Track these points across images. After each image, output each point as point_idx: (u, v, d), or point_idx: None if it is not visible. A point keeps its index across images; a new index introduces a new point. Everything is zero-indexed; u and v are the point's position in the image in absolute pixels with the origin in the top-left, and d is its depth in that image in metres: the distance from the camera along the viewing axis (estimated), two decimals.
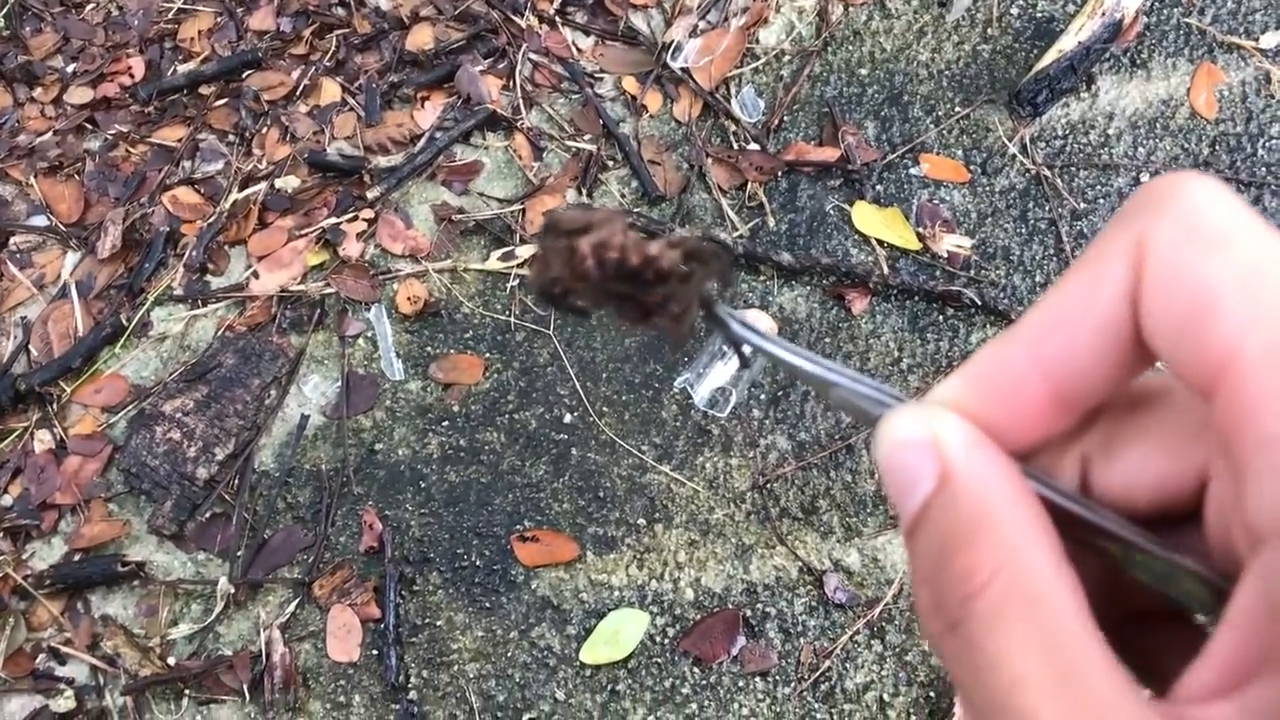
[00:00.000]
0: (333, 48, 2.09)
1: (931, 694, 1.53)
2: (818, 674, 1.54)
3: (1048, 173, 1.84)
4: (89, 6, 2.19)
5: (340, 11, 2.13)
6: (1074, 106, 1.90)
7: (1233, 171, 1.81)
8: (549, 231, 0.34)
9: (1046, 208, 1.82)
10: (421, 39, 2.07)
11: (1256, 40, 1.91)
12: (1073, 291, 0.28)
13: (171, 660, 1.62)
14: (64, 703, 1.59)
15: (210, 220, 1.93)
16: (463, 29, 2.08)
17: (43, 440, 1.76)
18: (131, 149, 2.02)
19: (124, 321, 1.84)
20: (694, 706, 1.54)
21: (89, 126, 2.07)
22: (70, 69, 2.12)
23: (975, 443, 0.28)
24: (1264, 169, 1.82)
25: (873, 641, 1.56)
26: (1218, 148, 1.84)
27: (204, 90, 2.08)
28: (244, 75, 2.08)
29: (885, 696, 1.53)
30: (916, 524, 0.28)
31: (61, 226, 1.95)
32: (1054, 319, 0.28)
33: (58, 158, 2.01)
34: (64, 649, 1.64)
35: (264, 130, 2.02)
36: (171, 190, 1.96)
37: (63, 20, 2.17)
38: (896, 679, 1.54)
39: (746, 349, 0.36)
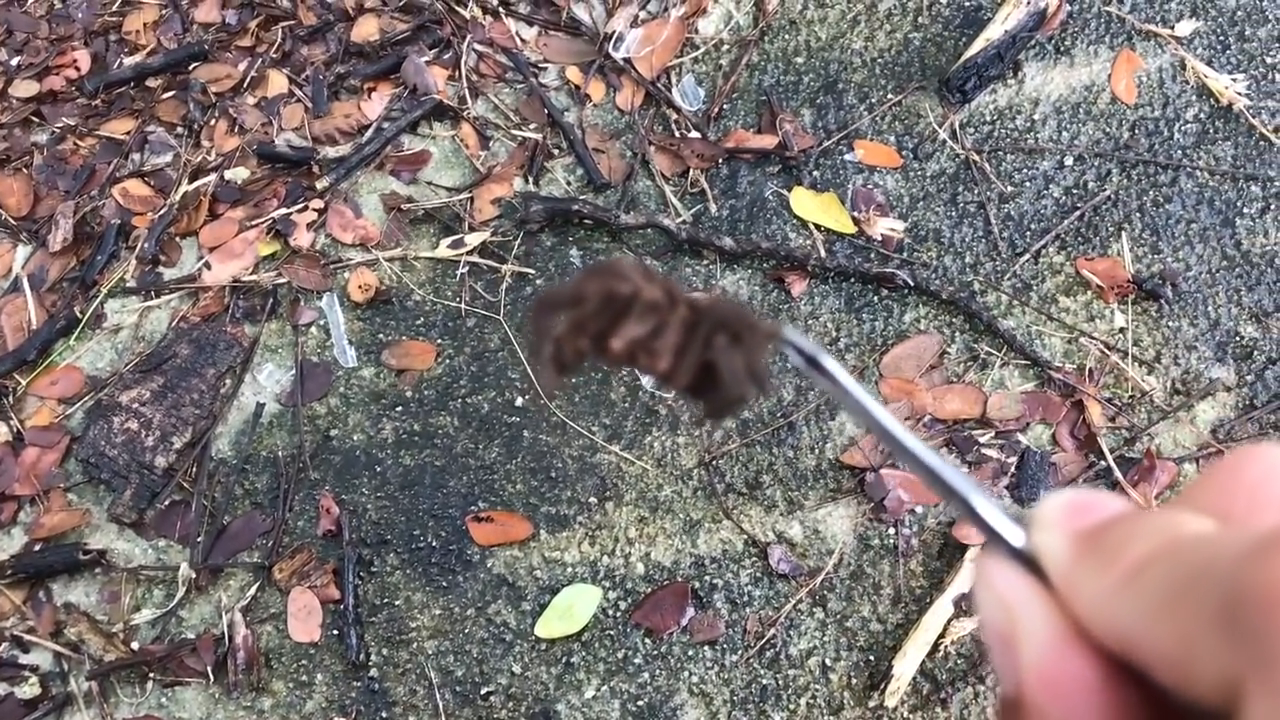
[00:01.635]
0: (278, 40, 2.12)
1: (871, 658, 1.61)
2: (763, 641, 1.62)
3: (976, 157, 1.92)
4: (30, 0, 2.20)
5: (285, 3, 2.15)
6: (1001, 93, 1.97)
7: (1151, 154, 1.90)
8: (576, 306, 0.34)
9: (975, 191, 1.89)
10: (367, 30, 2.10)
11: (1172, 28, 2.00)
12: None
13: (135, 645, 1.65)
14: (29, 689, 1.63)
15: (161, 212, 1.95)
16: (408, 20, 2.11)
17: None
18: (80, 142, 2.04)
19: (78, 314, 1.86)
20: (646, 676, 1.61)
21: (36, 120, 2.08)
22: (14, 62, 2.12)
23: (1057, 647, 0.28)
24: (1179, 152, 1.91)
25: (815, 609, 1.63)
26: (1137, 131, 1.93)
27: (151, 83, 2.10)
28: (190, 68, 2.10)
29: (827, 661, 1.61)
30: (1005, 705, 0.29)
31: (11, 220, 1.96)
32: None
33: (5, 151, 2.02)
34: (27, 637, 1.67)
35: (212, 122, 2.05)
36: (121, 183, 1.98)
37: (4, 13, 2.18)
38: (838, 644, 1.62)
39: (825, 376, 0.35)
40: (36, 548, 1.72)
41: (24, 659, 1.66)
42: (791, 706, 1.59)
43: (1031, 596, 0.29)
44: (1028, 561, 0.30)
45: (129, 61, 2.12)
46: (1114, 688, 0.27)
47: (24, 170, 2.01)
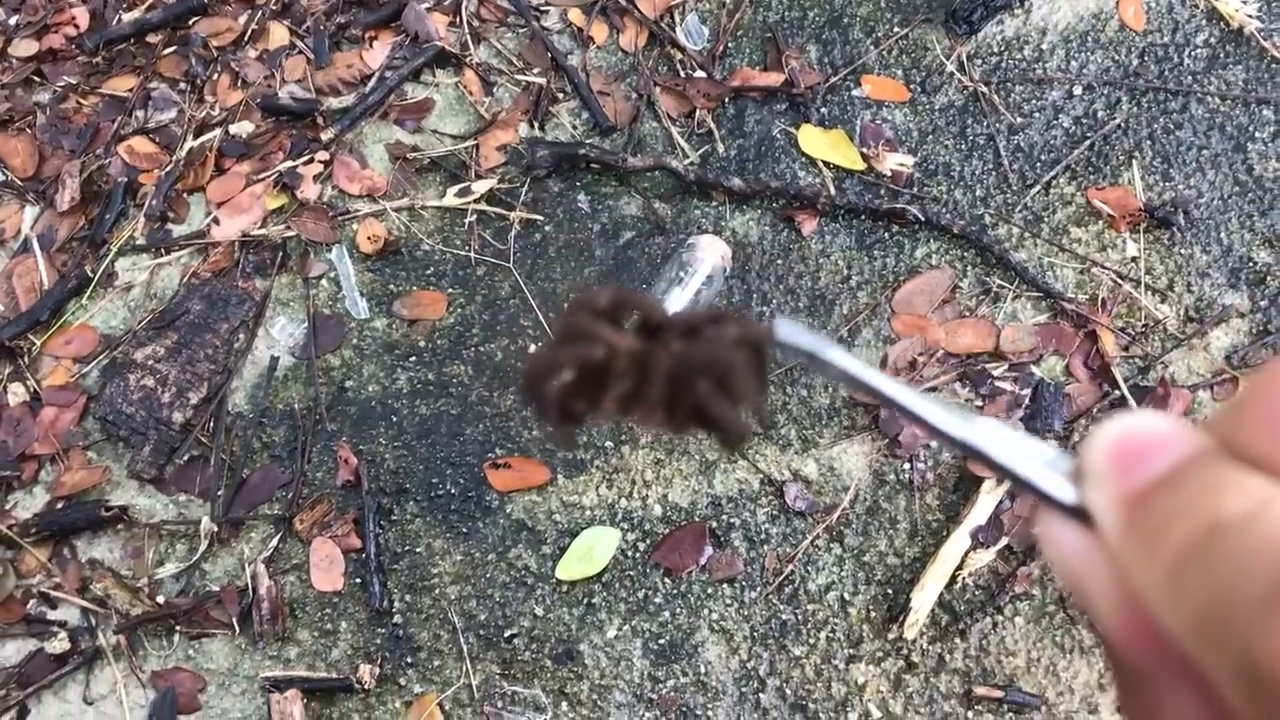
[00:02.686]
0: None
1: (889, 591, 1.62)
2: (781, 578, 1.63)
3: (985, 89, 1.90)
4: None
5: None
6: (1008, 23, 1.95)
7: (1160, 81, 1.88)
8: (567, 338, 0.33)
9: (985, 123, 1.88)
10: None
11: None
12: None
13: (161, 599, 1.67)
14: (58, 645, 1.65)
15: (168, 169, 1.94)
16: None
17: (16, 393, 1.79)
18: (82, 100, 2.03)
19: (89, 273, 1.86)
20: (666, 614, 1.63)
21: (37, 79, 2.07)
22: (13, 21, 2.11)
23: (1126, 605, 0.28)
24: (1190, 78, 1.89)
25: (832, 545, 1.65)
26: (1146, 58, 1.91)
27: (151, 39, 2.08)
28: (190, 22, 2.08)
29: (846, 595, 1.62)
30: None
31: (18, 181, 1.96)
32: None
33: (8, 112, 2.01)
34: (54, 594, 1.69)
35: (215, 77, 2.04)
36: (127, 140, 1.98)
37: None
38: (855, 579, 1.63)
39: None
40: (59, 506, 1.73)
41: (52, 615, 1.68)
42: (811, 640, 1.61)
43: (1092, 560, 0.29)
44: (1083, 515, 0.29)
45: (128, 17, 2.10)
46: None
47: (28, 130, 2.00)
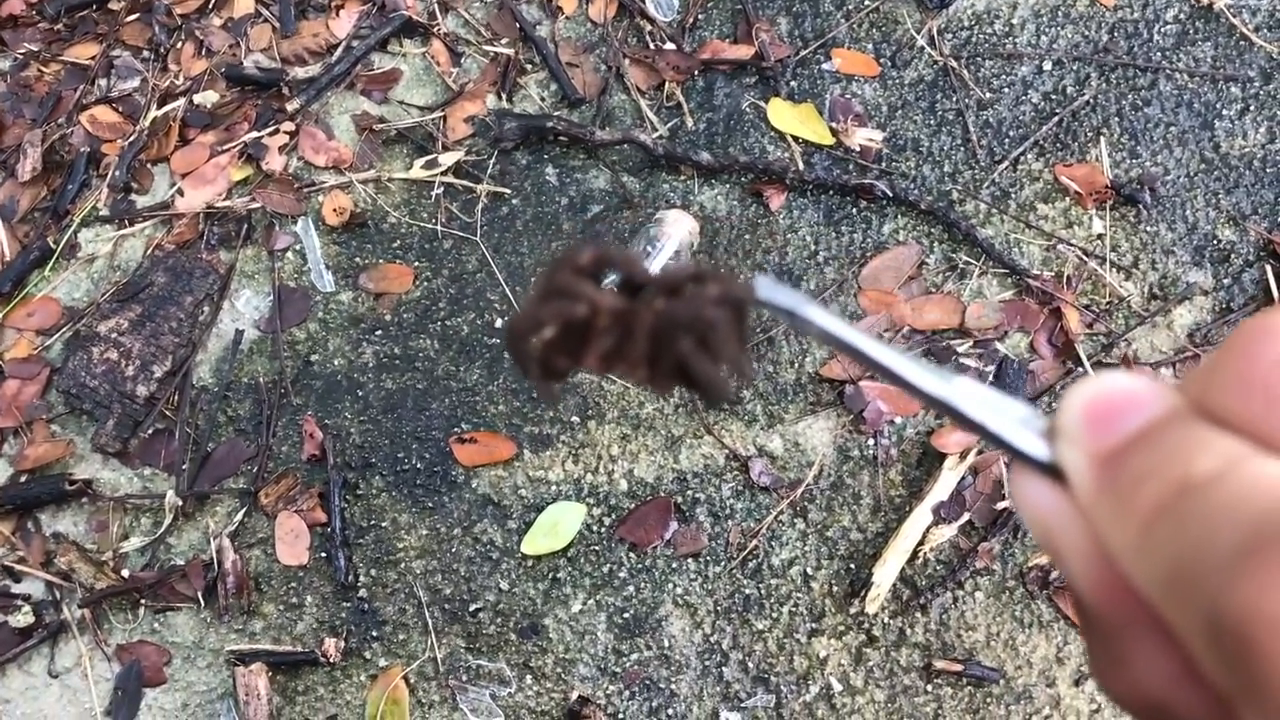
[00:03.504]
0: None
1: (851, 566, 1.63)
2: (745, 553, 1.64)
3: (954, 64, 1.90)
4: None
5: None
6: None
7: (1130, 57, 1.88)
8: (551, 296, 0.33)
9: (954, 98, 1.88)
10: None
11: None
12: None
13: (125, 573, 1.67)
14: (22, 618, 1.65)
15: (131, 139, 1.92)
16: None
17: None
18: (44, 68, 2.00)
19: (51, 244, 1.85)
20: (631, 589, 1.63)
21: None
22: None
23: (1098, 562, 0.28)
24: (1159, 54, 1.89)
25: (795, 520, 1.66)
26: (1116, 34, 1.91)
27: (114, 5, 2.05)
28: None
29: (809, 570, 1.64)
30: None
31: None
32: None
33: None
34: (18, 567, 1.69)
35: (179, 45, 2.01)
36: (89, 109, 1.95)
37: None
38: (818, 554, 1.64)
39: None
40: (22, 479, 1.73)
41: (16, 589, 1.68)
42: (774, 615, 1.62)
43: (1064, 516, 0.29)
44: (1056, 472, 0.30)
45: None
46: None
47: None
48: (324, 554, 1.67)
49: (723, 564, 1.64)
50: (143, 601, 1.66)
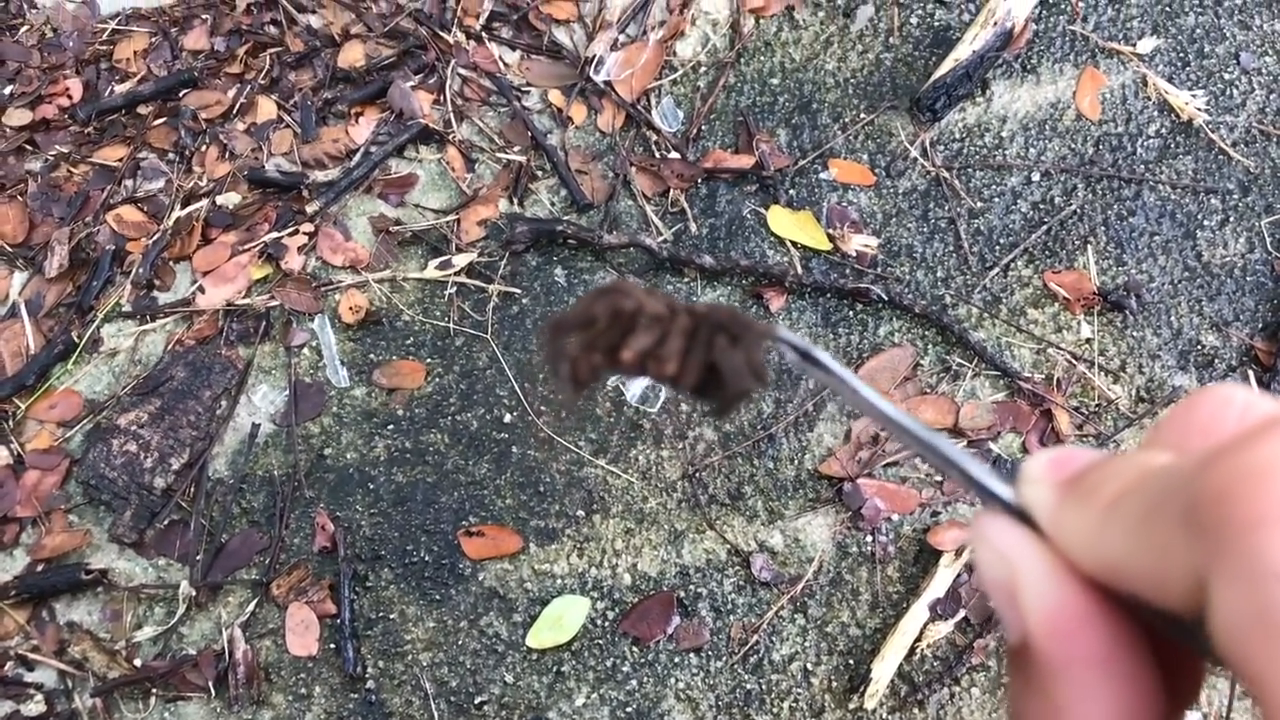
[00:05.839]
0: (267, 66, 2.16)
1: (850, 661, 1.67)
2: (747, 648, 1.68)
3: (946, 174, 1.98)
4: (23, 29, 2.24)
5: (273, 30, 2.20)
6: (970, 111, 2.04)
7: (1114, 169, 1.97)
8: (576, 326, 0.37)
9: (946, 207, 1.96)
10: (353, 56, 2.15)
11: (1134, 46, 2.06)
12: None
13: (138, 662, 1.70)
14: (34, 707, 1.67)
15: (155, 238, 2.00)
16: (393, 46, 2.16)
17: (0, 456, 1.83)
18: (73, 169, 2.09)
19: (75, 339, 1.91)
20: (634, 683, 1.67)
21: (29, 148, 2.12)
22: (7, 91, 2.17)
23: (1055, 587, 0.30)
24: (1142, 166, 1.97)
25: (796, 615, 1.69)
26: (1101, 147, 2.00)
27: (142, 110, 2.14)
28: (181, 94, 2.15)
29: (809, 665, 1.67)
30: (1014, 655, 0.31)
31: (7, 247, 2.00)
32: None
33: (0, 179, 2.07)
34: (32, 656, 1.72)
35: (203, 148, 2.10)
36: (115, 209, 2.03)
37: None
38: (819, 649, 1.68)
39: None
40: (39, 568, 1.76)
41: (29, 677, 1.71)
42: (775, 710, 1.65)
43: (1026, 545, 0.31)
44: (1020, 515, 0.32)
45: (120, 89, 2.17)
46: (1110, 621, 0.29)
47: (19, 198, 2.06)
48: (333, 645, 1.71)
49: (724, 659, 1.68)
50: (154, 691, 1.69)
